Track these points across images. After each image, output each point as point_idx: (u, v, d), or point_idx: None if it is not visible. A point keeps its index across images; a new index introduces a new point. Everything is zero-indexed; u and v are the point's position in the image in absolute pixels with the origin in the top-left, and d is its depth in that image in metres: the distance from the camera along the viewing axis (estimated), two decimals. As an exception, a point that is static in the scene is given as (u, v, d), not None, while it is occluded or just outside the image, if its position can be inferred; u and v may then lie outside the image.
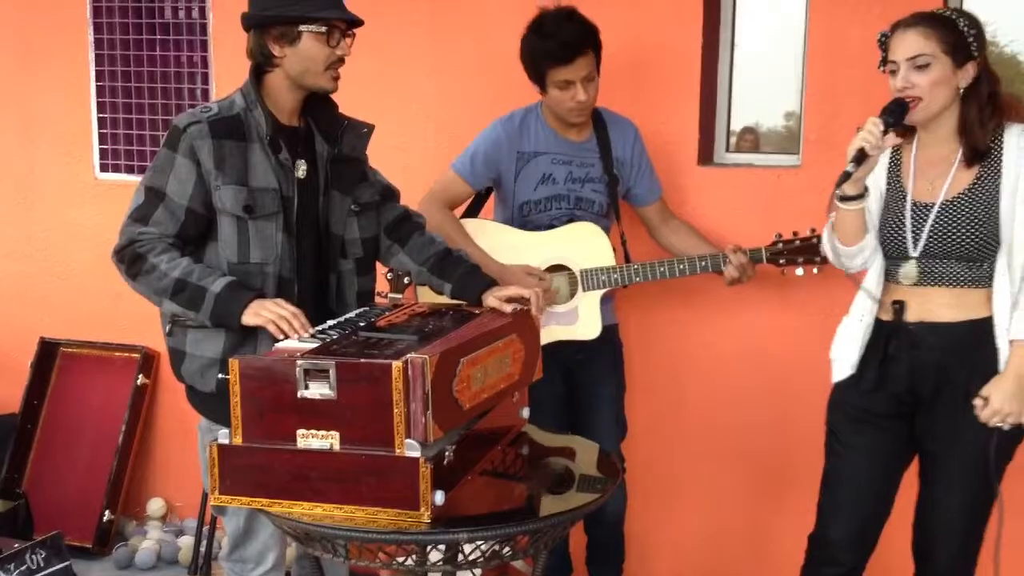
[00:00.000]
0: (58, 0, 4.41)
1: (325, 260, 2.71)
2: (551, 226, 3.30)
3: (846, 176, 2.45)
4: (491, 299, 2.66)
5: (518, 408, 2.65)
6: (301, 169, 2.63)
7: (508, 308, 2.61)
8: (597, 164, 3.32)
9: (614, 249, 3.29)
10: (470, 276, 2.75)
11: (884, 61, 2.61)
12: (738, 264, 3.20)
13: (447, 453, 2.16)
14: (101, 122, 4.44)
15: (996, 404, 2.48)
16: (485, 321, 2.50)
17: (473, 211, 3.47)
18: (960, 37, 2.52)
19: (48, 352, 4.48)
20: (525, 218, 3.32)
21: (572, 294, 3.28)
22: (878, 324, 2.65)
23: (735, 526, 3.70)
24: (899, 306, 2.61)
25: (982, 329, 2.57)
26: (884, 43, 2.60)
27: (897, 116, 2.50)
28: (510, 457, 2.56)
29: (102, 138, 4.45)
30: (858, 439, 2.70)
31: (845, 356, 2.69)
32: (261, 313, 2.46)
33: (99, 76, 4.41)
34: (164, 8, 4.38)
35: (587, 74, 3.15)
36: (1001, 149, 2.56)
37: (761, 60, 3.77)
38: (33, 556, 3.25)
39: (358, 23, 2.63)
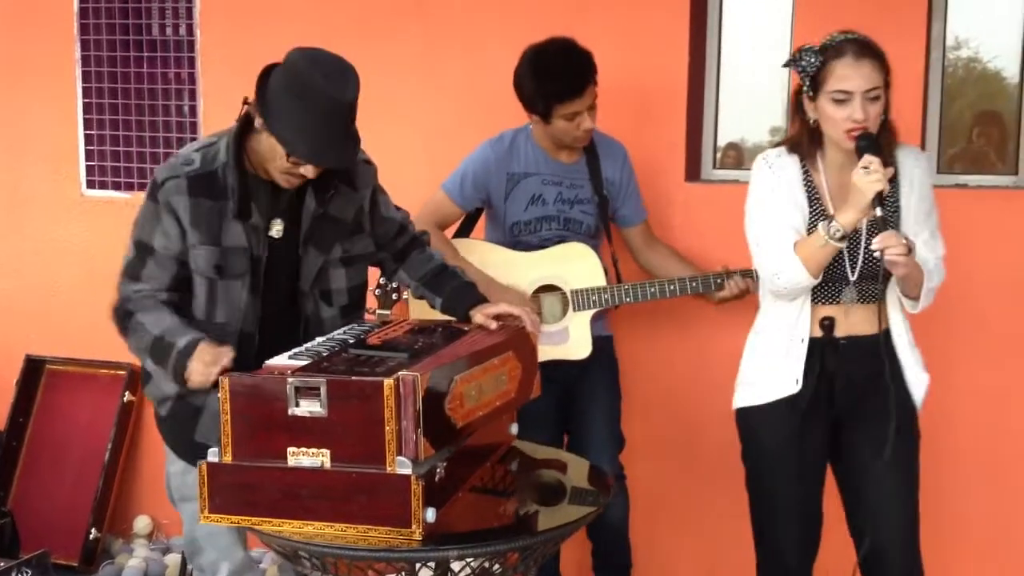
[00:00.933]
0: (45, 17, 4.40)
1: (295, 312, 2.66)
2: (541, 247, 3.31)
3: (885, 221, 2.47)
4: (478, 316, 2.65)
5: (507, 424, 2.65)
6: (276, 229, 2.58)
7: (493, 325, 2.61)
8: (587, 185, 3.32)
9: (605, 270, 3.30)
10: (460, 292, 2.75)
11: (814, 83, 2.58)
12: (734, 286, 3.22)
13: (438, 470, 2.16)
14: (88, 139, 4.42)
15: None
16: (476, 338, 2.50)
17: (464, 230, 3.47)
18: (888, 68, 2.58)
19: (34, 369, 4.45)
20: (516, 238, 3.32)
21: (563, 314, 3.29)
22: (809, 341, 2.69)
23: (741, 543, 3.70)
24: (829, 323, 2.67)
25: (887, 337, 2.71)
26: (817, 67, 2.57)
27: (878, 149, 2.53)
28: (500, 473, 2.56)
29: (89, 155, 4.43)
30: (795, 456, 2.73)
31: (782, 375, 2.69)
32: (194, 379, 2.40)
33: (86, 93, 4.40)
34: (152, 25, 4.37)
35: (592, 103, 3.17)
36: (897, 173, 2.65)
37: (746, 75, 3.79)
38: (19, 575, 3.24)
39: (319, 167, 2.46)
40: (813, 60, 2.58)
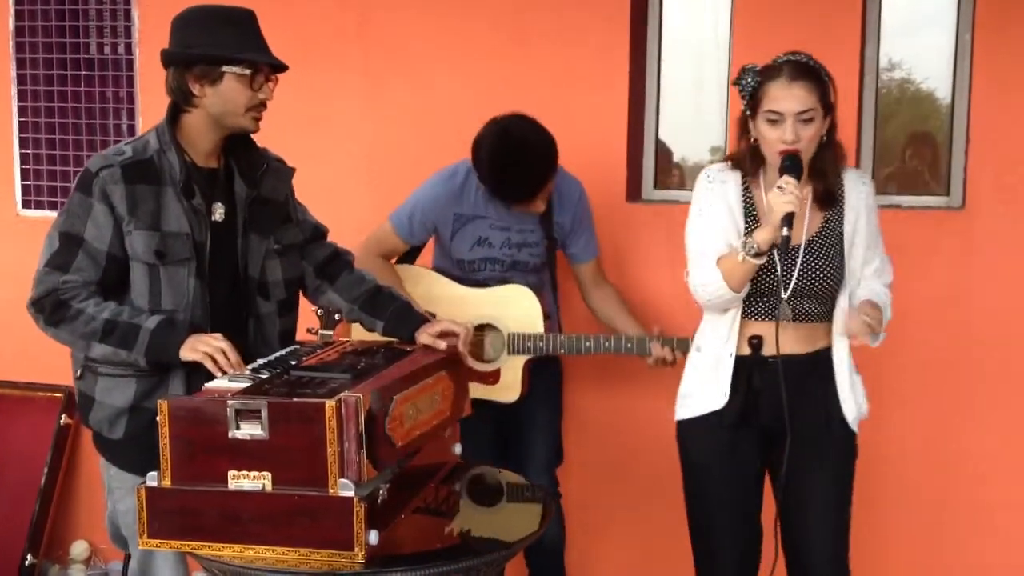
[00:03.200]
0: (-21, 34, 4.35)
1: (242, 303, 2.66)
2: (484, 283, 3.30)
3: (787, 240, 2.49)
4: (424, 336, 2.66)
5: (450, 444, 2.65)
6: (218, 212, 2.59)
7: (442, 344, 2.62)
8: (537, 230, 3.31)
9: (546, 315, 3.30)
10: (403, 313, 2.75)
11: (752, 102, 2.63)
12: (661, 352, 3.21)
13: (381, 492, 2.15)
14: (24, 158, 4.35)
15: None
16: (417, 358, 2.50)
17: (410, 256, 3.47)
18: (827, 89, 2.61)
19: (-33, 393, 4.37)
20: (460, 272, 3.33)
21: (498, 355, 3.29)
22: (736, 359, 2.71)
23: (673, 557, 3.72)
24: (757, 341, 2.69)
25: (825, 358, 2.73)
26: (755, 87, 2.62)
27: (800, 170, 2.57)
28: (443, 494, 2.56)
29: (25, 174, 4.36)
30: (725, 469, 2.75)
31: (712, 389, 2.72)
32: (198, 347, 2.42)
33: (22, 112, 4.33)
34: (89, 43, 4.33)
35: (547, 192, 3.19)
36: (843, 191, 2.69)
37: (686, 94, 3.84)
38: (-48, 604, 3.16)
39: (282, 68, 2.60)
40: (751, 80, 2.63)
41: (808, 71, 2.59)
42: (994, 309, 3.36)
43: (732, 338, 2.70)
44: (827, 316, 2.72)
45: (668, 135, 3.82)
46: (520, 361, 3.28)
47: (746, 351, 2.71)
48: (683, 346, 3.18)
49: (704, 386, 2.74)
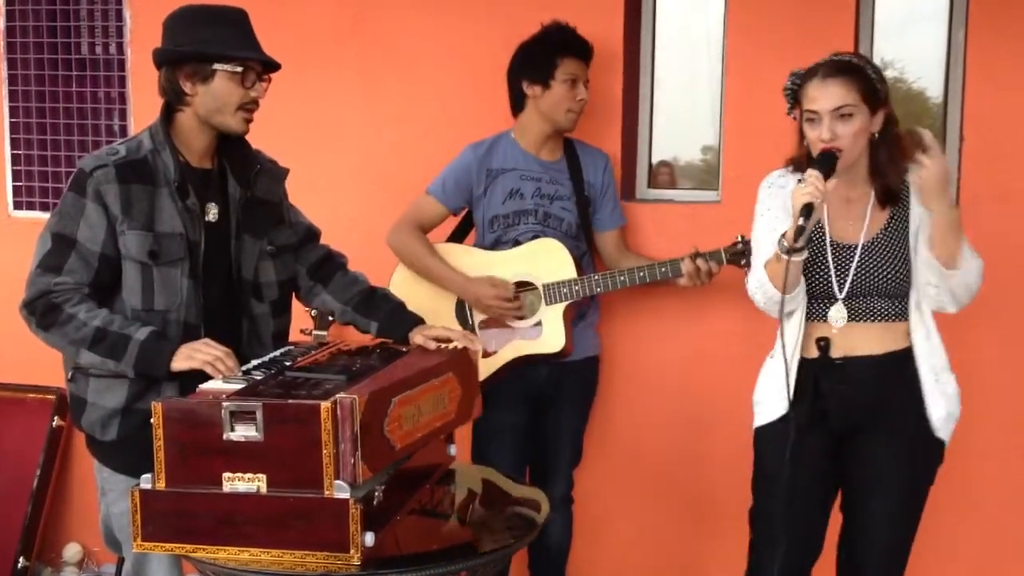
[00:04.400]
0: (-30, 35, 4.33)
1: (236, 304, 2.66)
2: (517, 242, 3.32)
3: (801, 231, 2.46)
4: (418, 337, 2.66)
5: (445, 445, 2.64)
6: (212, 213, 2.59)
7: (432, 346, 2.61)
8: (567, 184, 3.36)
9: (577, 262, 3.30)
10: (397, 314, 2.74)
11: (794, 106, 2.66)
12: (695, 269, 3.19)
13: (377, 493, 2.14)
14: (15, 159, 4.34)
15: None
16: (414, 359, 2.49)
17: (455, 240, 3.48)
18: (872, 85, 2.59)
19: (-41, 395, 4.35)
20: (495, 234, 3.34)
21: (537, 309, 3.30)
22: (803, 362, 2.68)
23: (667, 559, 3.72)
24: (824, 343, 2.66)
25: (904, 359, 2.66)
26: (795, 90, 2.64)
27: (830, 167, 2.53)
28: (439, 495, 2.55)
29: (16, 175, 4.35)
30: (792, 479, 2.66)
31: (776, 396, 2.69)
32: (194, 356, 2.42)
33: (13, 112, 4.32)
34: (81, 44, 4.31)
35: (587, 79, 3.32)
36: (908, 191, 2.67)
37: (678, 94, 3.83)
38: (-56, 607, 3.15)
39: (274, 66, 2.60)
40: (791, 83, 2.64)
41: (845, 67, 2.58)
42: (990, 309, 3.35)
43: (799, 342, 2.65)
44: (901, 315, 2.67)
45: (660, 134, 3.81)
46: (559, 310, 3.27)
47: (814, 353, 2.68)
48: (716, 257, 3.21)
49: (773, 392, 2.71)
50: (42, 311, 2.49)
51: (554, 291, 3.27)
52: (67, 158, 4.31)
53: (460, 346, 2.62)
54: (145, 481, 2.15)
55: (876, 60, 3.53)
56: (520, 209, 3.32)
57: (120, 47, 4.20)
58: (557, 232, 3.34)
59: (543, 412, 3.38)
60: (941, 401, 2.65)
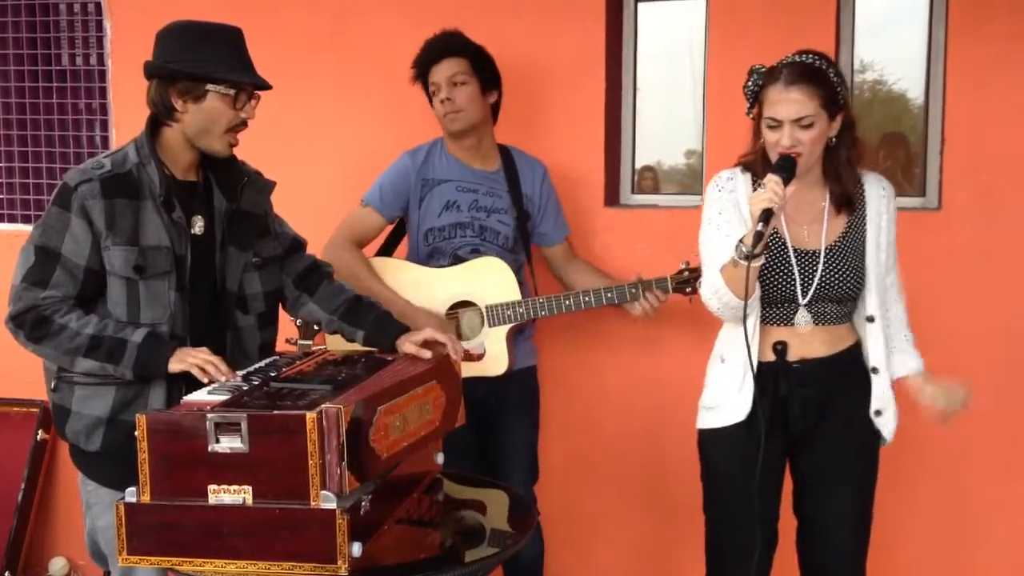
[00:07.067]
0: (-51, 47, 4.30)
1: (220, 316, 2.65)
2: (456, 256, 3.28)
3: (759, 236, 2.45)
4: (407, 345, 2.64)
5: (433, 454, 2.63)
6: (198, 226, 2.58)
7: (427, 354, 2.60)
8: (504, 196, 3.32)
9: (521, 283, 3.28)
10: (383, 322, 2.73)
11: (754, 105, 2.63)
12: (646, 303, 3.19)
13: (364, 503, 2.14)
14: (-5, 171, 4.32)
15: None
16: (400, 368, 2.48)
17: (386, 252, 3.44)
18: (833, 90, 2.57)
19: (-59, 409, 4.32)
20: (430, 246, 3.29)
21: (477, 332, 3.26)
22: (760, 366, 2.67)
23: (653, 566, 3.71)
24: (781, 346, 2.68)
25: (851, 358, 2.73)
26: (756, 92, 2.62)
27: (790, 172, 2.53)
28: (426, 504, 2.55)
29: (-4, 187, 4.33)
30: (751, 481, 2.67)
31: (738, 399, 2.68)
32: (186, 359, 2.43)
33: (-8, 124, 4.31)
34: (61, 55, 4.29)
35: (451, 76, 3.24)
36: (864, 197, 2.69)
37: (661, 99, 3.84)
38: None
39: (265, 87, 2.59)
40: (752, 83, 2.62)
41: (808, 73, 2.55)
42: (972, 311, 3.37)
43: (754, 346, 2.64)
44: (848, 317, 2.72)
45: (643, 139, 3.82)
46: (502, 332, 3.23)
47: (770, 357, 2.68)
48: (662, 285, 3.20)
49: (728, 396, 2.70)
50: (31, 324, 2.47)
51: (498, 313, 3.23)
52: (48, 170, 4.29)
53: (446, 352, 2.61)
54: (130, 495, 2.13)
55: (856, 62, 3.55)
56: (456, 222, 3.28)
57: (101, 58, 4.18)
58: (494, 245, 3.30)
59: (492, 430, 3.33)
60: (885, 398, 2.71)
